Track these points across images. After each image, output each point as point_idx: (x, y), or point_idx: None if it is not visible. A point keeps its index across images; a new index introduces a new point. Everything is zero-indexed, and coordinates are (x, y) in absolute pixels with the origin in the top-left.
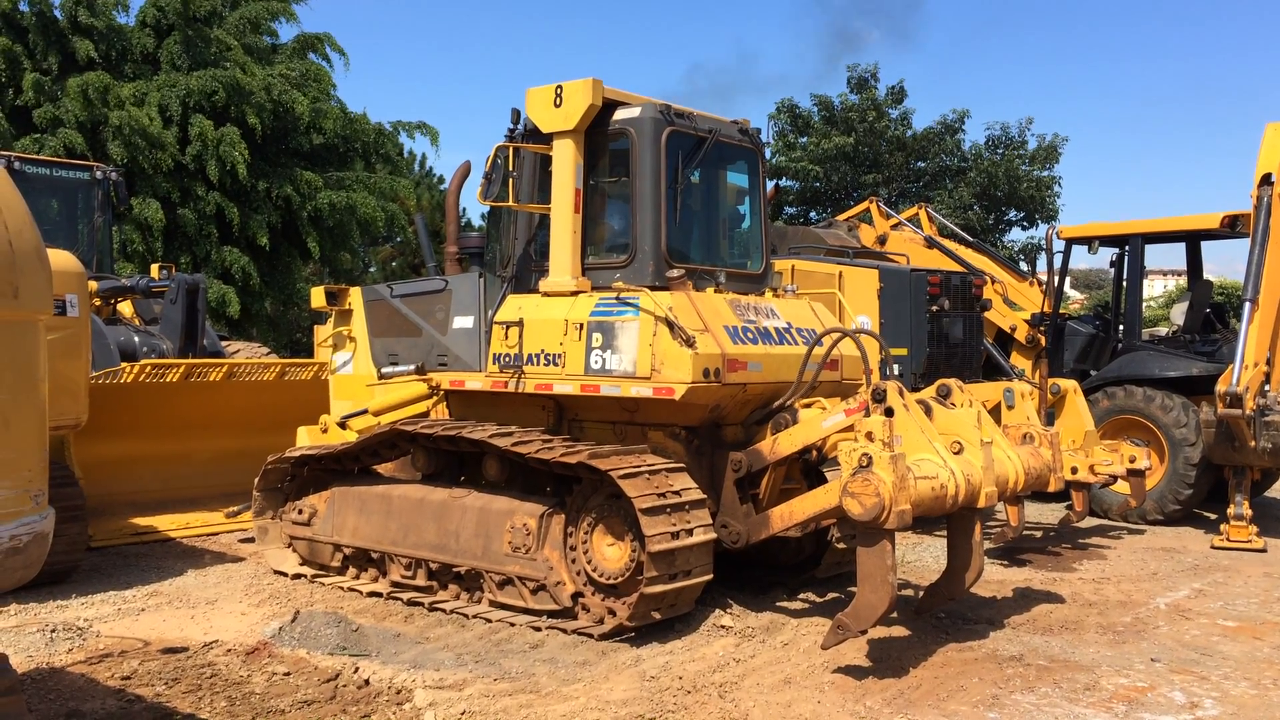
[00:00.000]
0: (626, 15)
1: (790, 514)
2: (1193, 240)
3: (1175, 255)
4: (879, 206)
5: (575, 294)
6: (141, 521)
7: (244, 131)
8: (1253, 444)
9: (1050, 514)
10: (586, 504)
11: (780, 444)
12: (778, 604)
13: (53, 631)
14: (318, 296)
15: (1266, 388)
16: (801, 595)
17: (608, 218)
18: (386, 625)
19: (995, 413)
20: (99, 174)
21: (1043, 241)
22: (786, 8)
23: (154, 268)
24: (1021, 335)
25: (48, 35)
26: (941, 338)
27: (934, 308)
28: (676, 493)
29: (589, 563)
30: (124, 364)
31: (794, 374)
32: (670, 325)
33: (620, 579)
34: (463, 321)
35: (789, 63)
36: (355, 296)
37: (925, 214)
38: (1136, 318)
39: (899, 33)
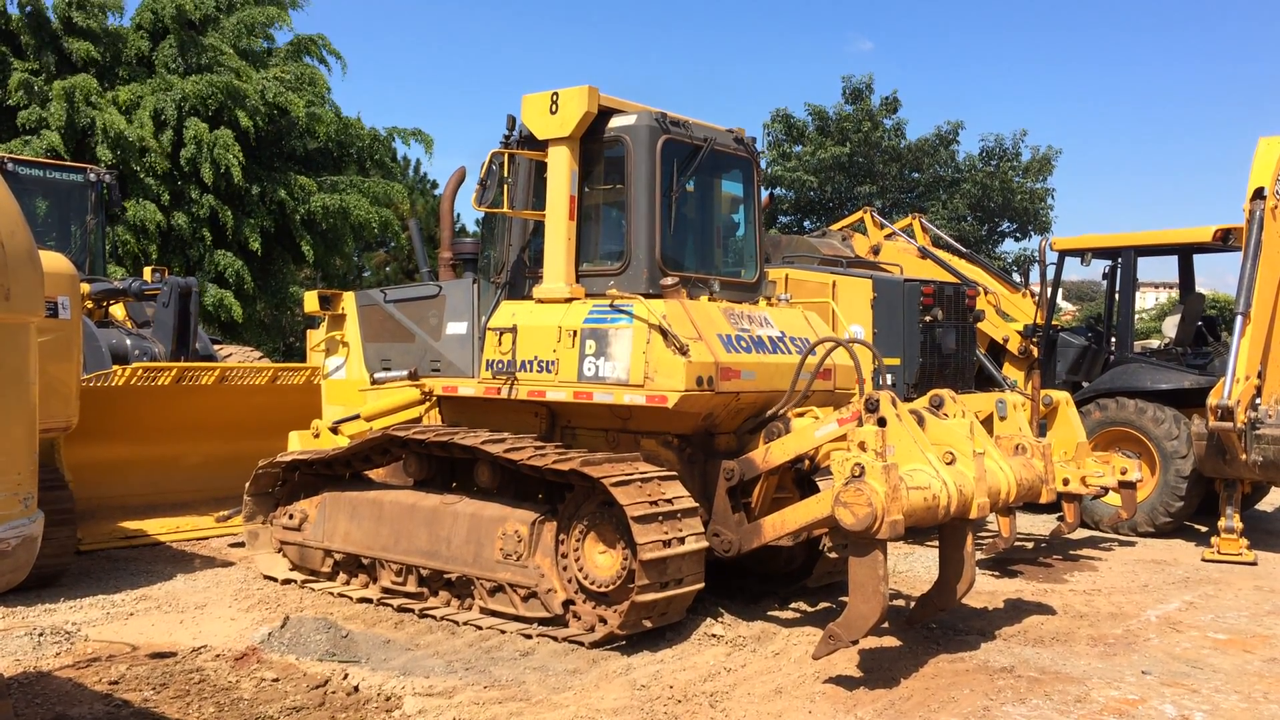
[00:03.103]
0: (624, 21)
1: (782, 523)
2: (1185, 253)
3: (1167, 268)
4: (873, 216)
5: (569, 301)
6: (131, 525)
7: (237, 135)
8: (1244, 457)
9: (1042, 525)
10: (578, 511)
11: (773, 453)
12: (769, 613)
13: (40, 635)
14: (311, 301)
15: (1258, 401)
16: (793, 605)
17: (602, 225)
18: (376, 632)
19: (988, 423)
20: (92, 176)
21: (1036, 253)
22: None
23: (147, 271)
24: (1014, 346)
25: (40, 36)
26: (934, 348)
27: (927, 318)
28: (669, 501)
29: (580, 570)
30: (116, 367)
31: (787, 383)
32: (664, 333)
33: (612, 587)
34: (456, 327)
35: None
36: (348, 301)
37: (919, 224)
38: (1129, 330)
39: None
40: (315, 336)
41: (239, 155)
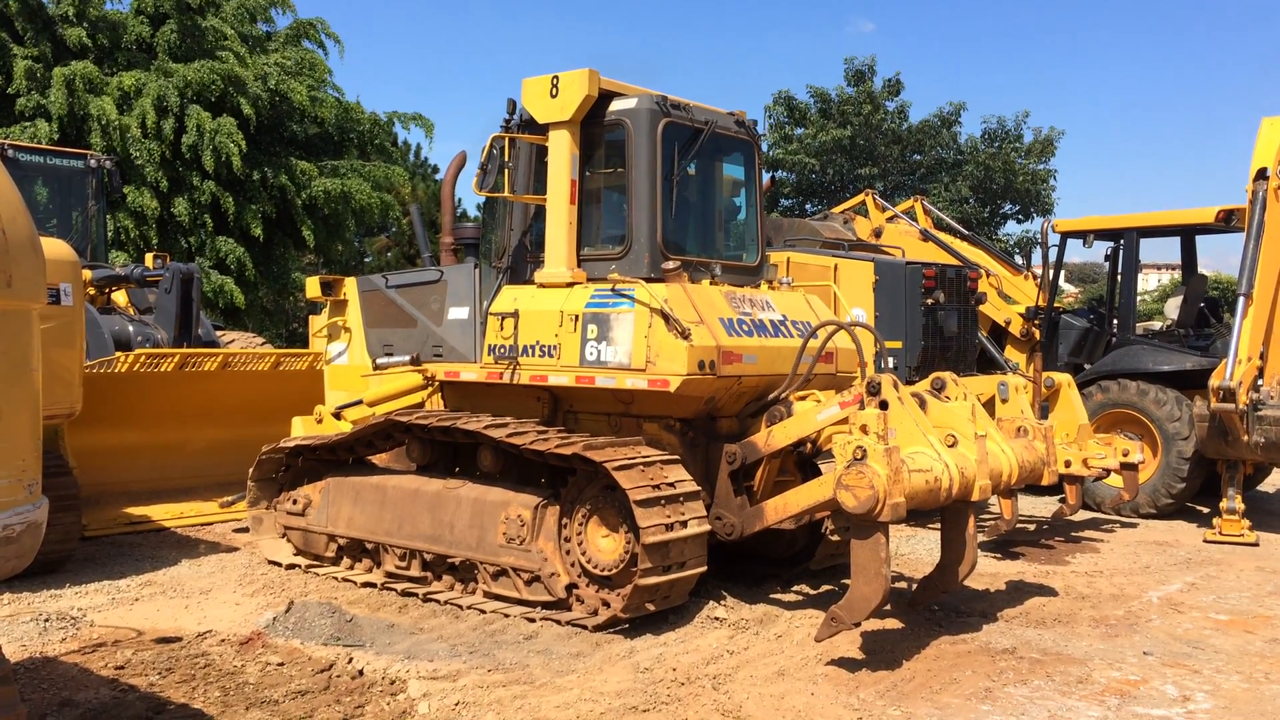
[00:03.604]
0: (626, 4)
1: (785, 506)
2: (1188, 234)
3: (1170, 249)
4: (875, 199)
5: (571, 285)
6: (136, 511)
7: (239, 121)
8: (1246, 438)
9: (1043, 507)
10: (581, 495)
11: (775, 436)
12: (771, 596)
13: (46, 621)
14: (312, 286)
15: (1260, 382)
16: (795, 587)
17: (603, 209)
18: (381, 616)
19: (989, 406)
20: (93, 162)
21: (1038, 235)
22: None
23: (149, 257)
24: (1016, 329)
25: (35, 22)
26: (936, 331)
27: (929, 301)
28: (671, 484)
29: (583, 554)
30: (118, 353)
31: (789, 366)
32: (665, 317)
33: (614, 570)
34: (458, 312)
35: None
36: (350, 287)
37: (921, 207)
38: (1131, 312)
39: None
40: (317, 322)
41: (241, 143)
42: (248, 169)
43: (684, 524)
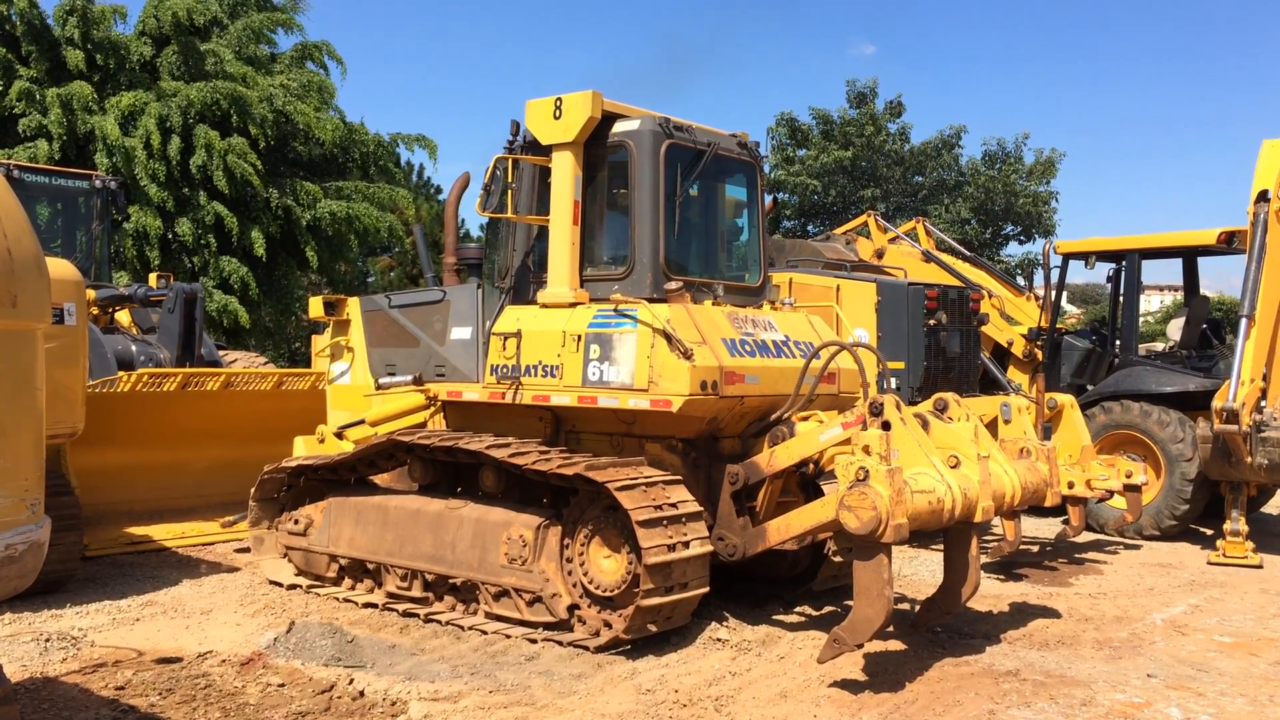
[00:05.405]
0: (628, 26)
1: (787, 527)
2: (1190, 256)
3: (1172, 271)
4: (877, 220)
5: (573, 306)
6: (137, 531)
7: (250, 142)
8: (1249, 460)
9: (1047, 528)
10: (583, 516)
11: (777, 457)
12: (774, 617)
13: (47, 641)
14: (315, 306)
15: (1263, 403)
16: (798, 608)
17: (606, 230)
18: (382, 636)
19: (992, 427)
20: (97, 182)
21: (1040, 256)
22: None
23: (152, 277)
24: (1018, 350)
25: (40, 43)
26: (939, 352)
27: (931, 322)
28: (673, 505)
29: (585, 575)
30: (121, 373)
31: (791, 387)
32: (668, 337)
33: (616, 591)
34: (460, 332)
35: None
36: (353, 307)
37: (923, 228)
38: (1133, 333)
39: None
40: (320, 342)
41: (257, 163)
42: (264, 189)
43: (686, 545)
